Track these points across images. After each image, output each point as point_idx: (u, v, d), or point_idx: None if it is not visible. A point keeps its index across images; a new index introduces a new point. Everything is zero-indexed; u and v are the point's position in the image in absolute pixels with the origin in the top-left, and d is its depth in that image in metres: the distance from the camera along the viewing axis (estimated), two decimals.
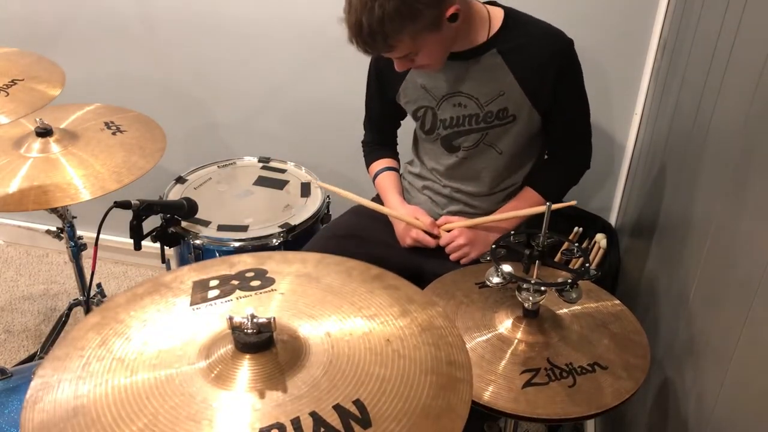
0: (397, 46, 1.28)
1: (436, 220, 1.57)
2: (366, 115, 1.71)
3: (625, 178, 1.96)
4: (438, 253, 1.54)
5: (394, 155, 1.75)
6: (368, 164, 1.74)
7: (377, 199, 1.73)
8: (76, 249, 1.89)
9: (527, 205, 1.53)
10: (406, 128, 1.69)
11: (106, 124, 1.76)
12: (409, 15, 1.23)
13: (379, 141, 1.74)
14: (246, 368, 0.78)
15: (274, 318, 0.79)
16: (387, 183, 1.67)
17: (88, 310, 1.99)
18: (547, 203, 1.10)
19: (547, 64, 1.40)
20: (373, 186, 1.74)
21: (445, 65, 1.43)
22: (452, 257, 1.50)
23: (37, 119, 1.62)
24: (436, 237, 1.53)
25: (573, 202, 1.41)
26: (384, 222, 1.63)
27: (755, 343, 0.83)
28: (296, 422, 0.72)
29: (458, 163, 1.55)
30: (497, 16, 1.42)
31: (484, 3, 1.44)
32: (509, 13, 1.43)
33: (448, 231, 1.52)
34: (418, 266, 1.53)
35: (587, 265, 1.11)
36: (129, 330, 0.87)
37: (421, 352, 0.83)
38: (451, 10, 1.28)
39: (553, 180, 1.57)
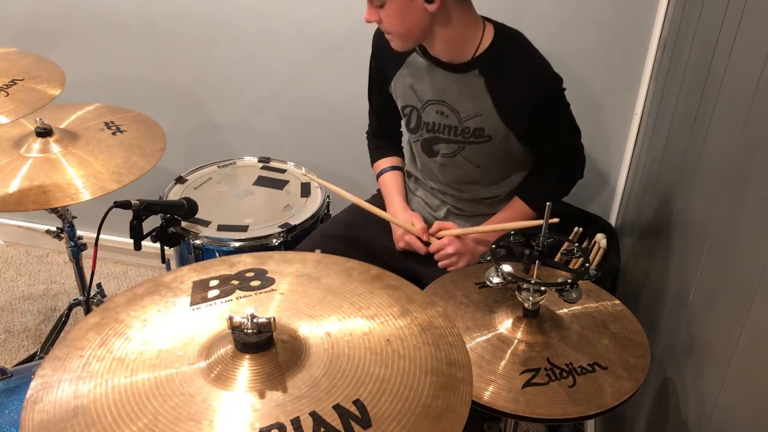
0: None
1: (429, 222, 1.57)
2: (369, 106, 1.71)
3: (625, 178, 1.96)
4: (432, 258, 1.54)
5: (399, 152, 1.74)
6: (373, 161, 1.73)
7: (378, 195, 1.73)
8: (76, 249, 1.89)
9: (516, 217, 1.53)
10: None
11: (106, 124, 1.76)
12: None
13: (383, 132, 1.74)
14: (246, 368, 0.78)
15: (274, 318, 0.79)
16: (390, 184, 1.66)
17: (88, 310, 1.99)
18: (547, 203, 1.10)
19: (526, 98, 1.38)
20: (374, 184, 1.74)
21: (433, 72, 1.43)
22: (440, 265, 1.51)
23: (37, 119, 1.62)
24: (427, 244, 1.53)
25: (556, 220, 1.38)
26: (379, 221, 1.63)
27: (755, 343, 0.83)
28: (296, 422, 0.72)
29: (438, 168, 1.56)
30: (488, 33, 1.40)
31: (483, 17, 1.43)
32: (499, 32, 1.40)
33: (440, 238, 1.52)
34: (411, 268, 1.54)
35: (587, 265, 1.11)
36: (129, 330, 0.87)
37: (421, 352, 0.83)
38: None
39: (543, 193, 1.53)
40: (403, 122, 1.58)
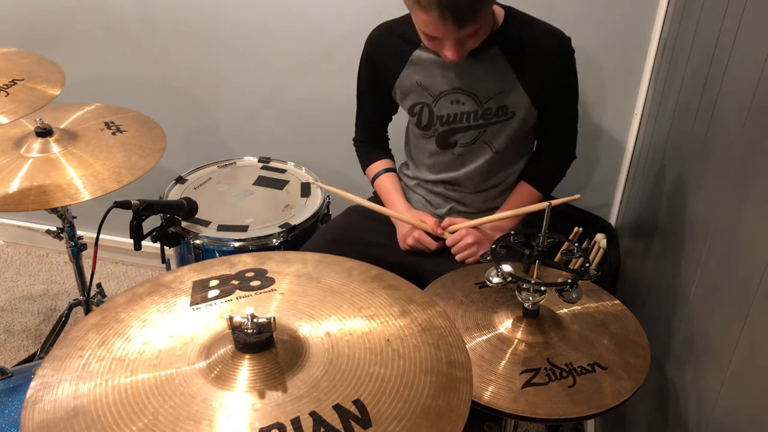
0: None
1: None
2: (358, 111, 1.71)
3: (625, 178, 1.96)
4: (435, 254, 1.54)
5: (390, 155, 1.74)
6: (365, 165, 1.74)
7: (375, 197, 1.73)
8: (76, 249, 1.89)
9: (525, 201, 1.56)
10: (399, 129, 1.69)
11: (106, 124, 1.76)
12: None
13: (371, 139, 1.74)
14: (246, 368, 0.78)
15: (274, 318, 0.79)
16: (389, 185, 1.66)
17: (88, 310, 1.99)
18: (548, 202, 1.11)
19: (548, 62, 1.42)
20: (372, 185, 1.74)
21: (445, 63, 1.43)
22: (459, 257, 1.50)
23: (37, 119, 1.62)
24: (438, 239, 1.53)
25: (577, 196, 1.42)
26: (381, 222, 1.63)
27: (755, 343, 0.83)
28: (296, 422, 0.72)
29: (452, 161, 1.55)
30: (498, 13, 1.43)
31: None
32: (509, 11, 1.44)
33: (452, 232, 1.52)
34: (415, 266, 1.54)
35: (587, 265, 1.11)
36: (129, 330, 0.87)
37: (421, 352, 0.83)
38: None
39: (545, 173, 1.59)
40: (412, 120, 1.57)
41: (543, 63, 1.42)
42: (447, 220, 1.54)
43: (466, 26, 1.26)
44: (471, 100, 1.46)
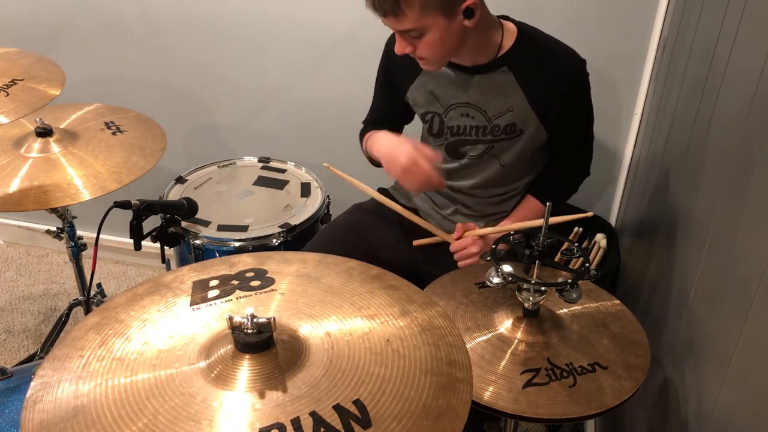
0: (406, 13, 1.24)
1: (433, 217, 1.58)
2: (370, 110, 1.69)
3: (626, 177, 1.96)
4: (436, 255, 1.54)
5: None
6: (363, 135, 1.66)
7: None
8: (76, 249, 1.89)
9: (533, 214, 1.55)
10: (412, 127, 1.69)
11: (106, 124, 1.76)
12: None
13: (382, 121, 1.68)
14: (246, 368, 0.78)
15: (274, 318, 0.79)
16: (383, 131, 1.57)
17: (88, 310, 1.99)
18: (547, 203, 1.10)
19: (558, 85, 1.40)
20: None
21: (455, 76, 1.43)
22: (461, 264, 1.50)
23: (37, 119, 1.62)
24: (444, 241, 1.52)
25: (590, 214, 1.40)
26: (382, 222, 1.62)
27: (755, 343, 0.83)
28: (296, 422, 0.72)
29: (460, 168, 1.55)
30: (511, 31, 1.41)
31: (498, 17, 1.43)
32: (522, 30, 1.42)
33: (457, 239, 1.52)
34: (417, 268, 1.54)
35: (587, 265, 1.11)
36: (129, 330, 0.87)
37: (421, 352, 0.83)
38: (468, 1, 1.26)
39: (555, 190, 1.58)
40: (425, 127, 1.57)
41: (553, 86, 1.40)
42: (459, 228, 1.51)
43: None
44: (480, 115, 1.45)
